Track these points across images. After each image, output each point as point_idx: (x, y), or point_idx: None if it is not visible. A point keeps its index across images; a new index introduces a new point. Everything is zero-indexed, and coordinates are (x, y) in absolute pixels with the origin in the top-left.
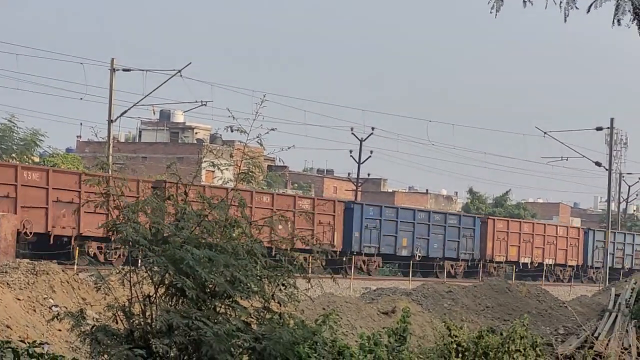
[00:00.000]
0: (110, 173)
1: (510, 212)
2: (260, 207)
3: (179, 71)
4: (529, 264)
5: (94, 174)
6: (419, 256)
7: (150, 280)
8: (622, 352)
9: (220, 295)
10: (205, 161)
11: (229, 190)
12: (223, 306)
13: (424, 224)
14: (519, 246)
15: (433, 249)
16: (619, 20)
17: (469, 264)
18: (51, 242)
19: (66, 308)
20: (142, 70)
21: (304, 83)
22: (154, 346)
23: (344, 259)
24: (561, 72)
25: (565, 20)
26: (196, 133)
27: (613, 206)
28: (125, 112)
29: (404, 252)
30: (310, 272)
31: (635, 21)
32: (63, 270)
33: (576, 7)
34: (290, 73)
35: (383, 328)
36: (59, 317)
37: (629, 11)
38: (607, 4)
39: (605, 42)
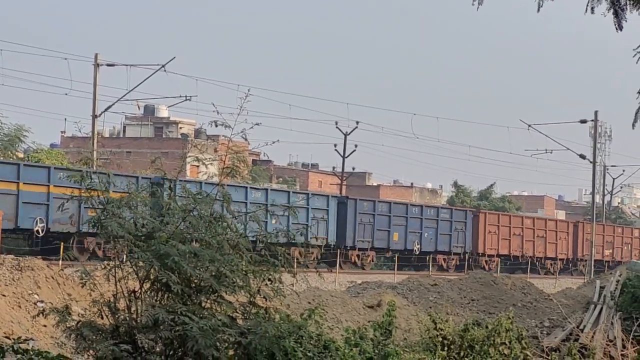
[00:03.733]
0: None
1: (495, 205)
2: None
3: (163, 66)
4: None
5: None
6: None
7: (136, 276)
8: (608, 344)
9: (206, 290)
10: (189, 156)
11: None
12: (208, 301)
13: None
14: None
15: None
16: (592, 8)
17: None
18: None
19: (51, 304)
20: (126, 65)
21: (289, 77)
22: (139, 341)
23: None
24: (545, 66)
25: (539, 10)
26: (181, 128)
27: (597, 199)
28: (110, 107)
29: None
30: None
31: (612, 10)
32: (48, 266)
33: None
34: (275, 67)
35: (369, 322)
36: (44, 313)
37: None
38: None
39: (590, 35)
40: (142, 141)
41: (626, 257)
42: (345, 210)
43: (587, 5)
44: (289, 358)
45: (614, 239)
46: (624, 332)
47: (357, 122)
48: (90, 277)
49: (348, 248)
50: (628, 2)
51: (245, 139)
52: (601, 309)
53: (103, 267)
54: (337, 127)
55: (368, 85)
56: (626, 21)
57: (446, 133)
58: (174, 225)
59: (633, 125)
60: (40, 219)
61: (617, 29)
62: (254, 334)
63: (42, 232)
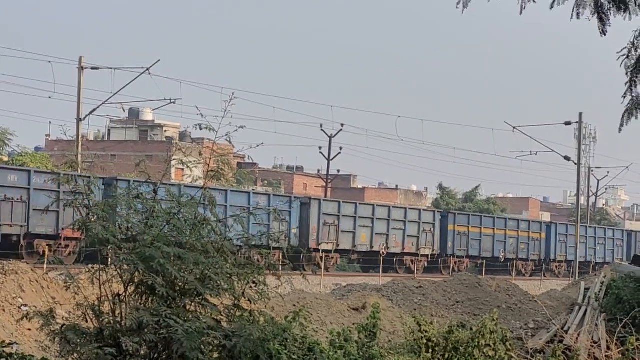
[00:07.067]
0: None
1: (480, 207)
2: None
3: (148, 69)
4: None
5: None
6: None
7: (120, 279)
8: (592, 346)
9: (191, 293)
10: (174, 159)
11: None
12: (193, 304)
13: None
14: None
15: None
16: (578, 14)
17: None
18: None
19: (35, 307)
20: (111, 68)
21: (273, 79)
22: (124, 344)
23: None
24: (530, 68)
25: (521, 13)
26: (165, 131)
27: (582, 200)
28: (94, 110)
29: None
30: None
31: (596, 14)
32: (32, 270)
33: (534, 1)
34: (259, 70)
35: (353, 324)
36: (28, 317)
37: (590, 4)
38: (570, 1)
39: (575, 38)
40: (126, 144)
41: None
42: None
43: (573, 11)
44: None
45: None
46: (609, 333)
47: (342, 125)
48: (75, 280)
49: None
50: (612, 7)
51: (230, 142)
52: (586, 310)
53: (87, 270)
54: (322, 130)
55: (352, 87)
56: (610, 26)
57: (431, 135)
58: (159, 229)
59: (620, 130)
60: None
61: (601, 33)
62: (239, 336)
63: None
